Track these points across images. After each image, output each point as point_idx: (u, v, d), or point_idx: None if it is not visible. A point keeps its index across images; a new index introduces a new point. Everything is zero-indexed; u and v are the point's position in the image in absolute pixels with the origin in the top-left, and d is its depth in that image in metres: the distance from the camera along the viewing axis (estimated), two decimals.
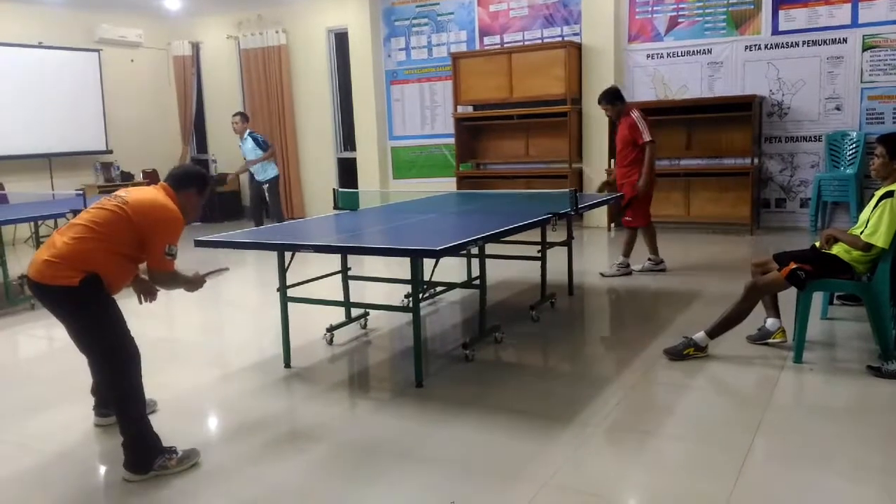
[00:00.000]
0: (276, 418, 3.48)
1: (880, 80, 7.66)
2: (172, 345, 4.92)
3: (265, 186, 8.40)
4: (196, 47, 11.79)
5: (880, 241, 3.57)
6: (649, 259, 6.35)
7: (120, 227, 2.84)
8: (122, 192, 2.97)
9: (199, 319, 5.77)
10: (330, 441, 3.18)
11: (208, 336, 5.25)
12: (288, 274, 4.07)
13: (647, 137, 5.95)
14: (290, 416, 3.57)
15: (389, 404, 3.62)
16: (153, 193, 2.98)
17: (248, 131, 8.40)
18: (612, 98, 6.18)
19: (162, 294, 3.33)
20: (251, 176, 8.64)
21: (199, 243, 4.03)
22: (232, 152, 11.49)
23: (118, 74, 10.98)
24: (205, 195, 3.18)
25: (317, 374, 4.06)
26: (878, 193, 3.72)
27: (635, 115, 6.07)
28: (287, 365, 4.11)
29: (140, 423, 2.91)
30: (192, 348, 4.85)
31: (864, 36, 7.66)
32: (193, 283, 3.18)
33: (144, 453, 2.87)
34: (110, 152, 10.60)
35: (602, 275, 6.23)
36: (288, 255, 4.00)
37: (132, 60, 11.29)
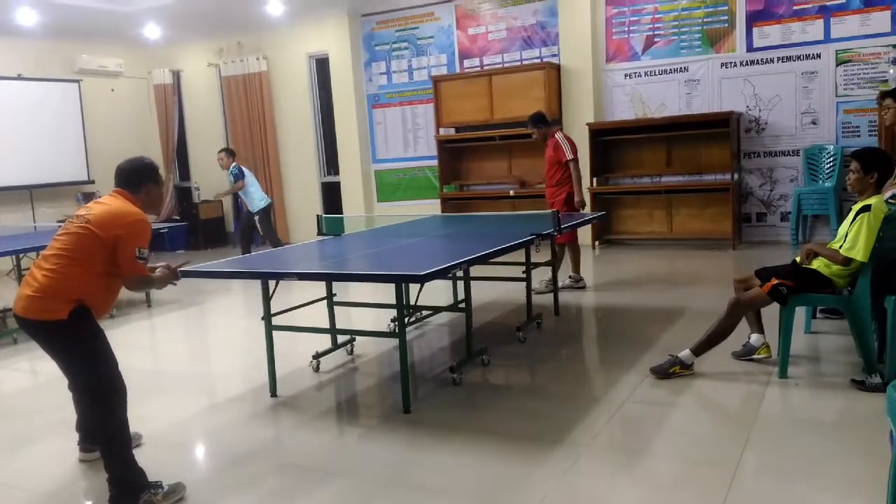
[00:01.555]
0: (264, 449, 3.45)
1: (855, 94, 7.79)
2: (157, 375, 4.87)
3: (255, 217, 8.44)
4: (177, 75, 11.80)
5: (859, 254, 3.62)
6: (570, 276, 6.50)
7: (90, 247, 2.82)
8: (82, 211, 2.94)
9: (184, 349, 5.72)
10: (318, 470, 3.15)
11: (193, 366, 5.21)
12: (273, 301, 4.06)
13: (568, 156, 6.24)
14: (277, 447, 3.53)
15: (377, 431, 3.60)
16: (112, 203, 2.94)
17: (233, 165, 8.52)
18: (536, 121, 6.46)
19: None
20: (241, 206, 8.74)
21: (182, 274, 4.00)
22: (215, 178, 11.51)
23: (99, 104, 10.96)
24: (161, 181, 3.16)
25: (304, 403, 4.04)
26: (856, 208, 3.78)
27: (559, 136, 6.35)
28: (273, 394, 4.08)
29: (125, 459, 2.88)
30: (177, 378, 4.80)
31: (837, 51, 7.81)
32: (164, 280, 3.11)
33: (130, 489, 2.84)
34: (92, 182, 10.55)
35: (535, 291, 6.12)
36: (272, 283, 3.99)
37: (112, 90, 11.28)
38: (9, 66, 9.85)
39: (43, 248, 6.07)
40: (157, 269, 3.11)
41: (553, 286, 5.79)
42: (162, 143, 11.78)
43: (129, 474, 2.86)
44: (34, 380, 5.21)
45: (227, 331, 6.17)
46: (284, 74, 10.90)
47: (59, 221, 8.51)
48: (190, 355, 5.54)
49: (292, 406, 3.98)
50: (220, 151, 8.73)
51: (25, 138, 9.83)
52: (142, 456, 2.98)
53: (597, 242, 8.84)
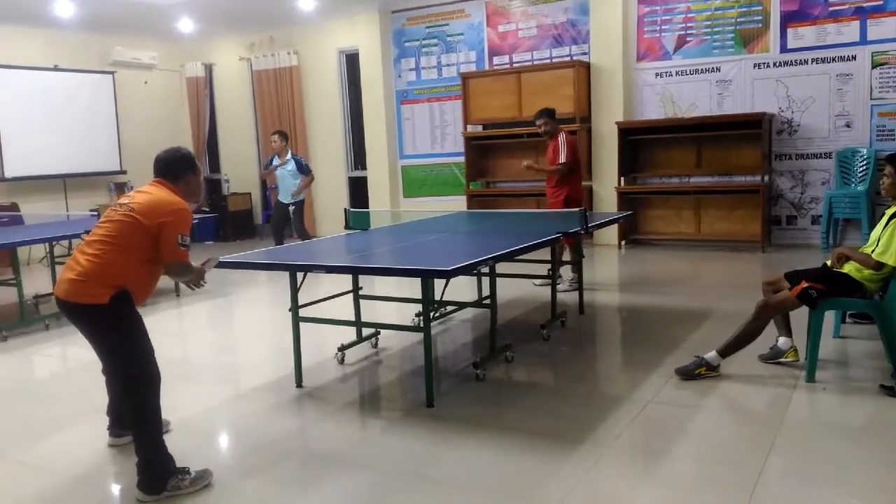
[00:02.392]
0: (288, 439, 3.50)
1: (890, 98, 7.65)
2: (185, 364, 4.95)
3: (291, 208, 8.30)
4: (209, 69, 11.95)
5: (892, 259, 3.56)
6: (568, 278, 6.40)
7: (134, 234, 2.88)
8: (124, 200, 3.02)
9: (212, 339, 5.81)
10: (341, 462, 3.19)
11: (221, 355, 5.28)
12: (300, 294, 4.10)
13: (562, 159, 6.28)
14: (301, 437, 3.58)
15: (400, 424, 3.63)
16: (154, 192, 3.00)
17: (290, 153, 8.23)
18: (548, 114, 6.49)
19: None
20: (270, 195, 8.55)
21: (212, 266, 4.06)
22: (244, 171, 11.67)
23: (132, 96, 11.13)
24: (199, 171, 3.22)
25: (328, 394, 4.08)
26: (889, 212, 3.72)
27: (561, 138, 6.34)
28: (299, 384, 4.13)
29: (156, 444, 2.94)
30: (204, 368, 4.88)
31: (872, 53, 7.67)
32: (199, 275, 3.16)
33: (158, 474, 2.89)
34: (124, 172, 10.73)
35: (535, 284, 6.19)
36: (300, 275, 4.03)
37: (146, 82, 11.45)
38: (46, 57, 10.05)
39: (76, 236, 6.28)
40: (197, 266, 3.16)
41: (578, 285, 5.76)
42: (193, 136, 11.94)
43: (159, 459, 2.92)
44: (64, 365, 5.33)
45: (255, 321, 6.25)
46: (315, 69, 10.98)
47: (91, 210, 8.67)
48: (217, 345, 5.62)
49: (317, 397, 4.02)
50: (273, 133, 8.36)
51: (60, 128, 10.02)
52: (170, 442, 3.03)
53: (623, 242, 8.79)
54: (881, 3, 7.57)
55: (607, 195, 8.93)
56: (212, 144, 12.22)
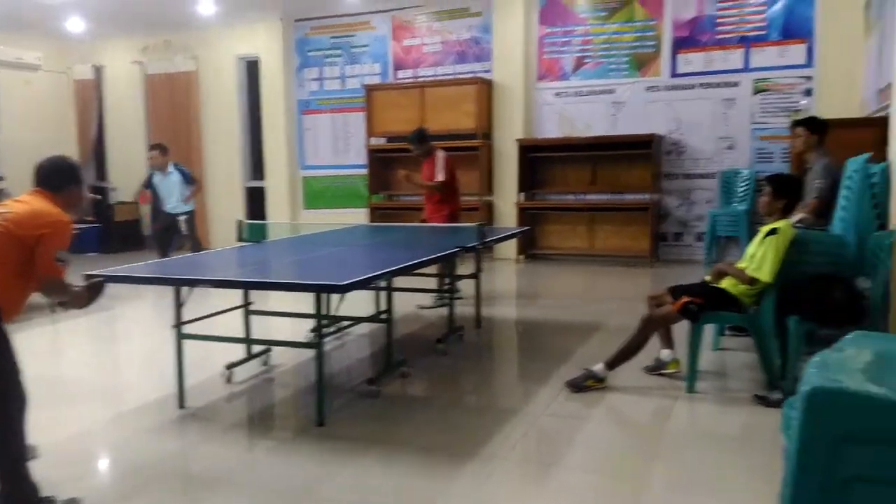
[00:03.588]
0: (168, 461, 3.32)
1: (770, 122, 8.16)
2: (61, 384, 4.62)
3: (182, 218, 7.93)
4: (99, 71, 11.38)
5: (765, 275, 3.77)
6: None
7: (8, 246, 2.68)
8: (2, 208, 2.80)
9: (91, 357, 5.47)
10: (225, 484, 3.05)
11: (100, 375, 4.97)
12: (187, 308, 3.92)
13: (440, 177, 6.31)
14: (183, 459, 3.40)
15: (290, 444, 3.51)
16: (33, 202, 2.82)
17: (172, 164, 7.85)
18: (419, 139, 6.46)
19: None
20: (158, 206, 8.18)
21: (89, 277, 3.82)
22: (133, 179, 11.06)
23: (13, 97, 10.45)
24: (83, 183, 3.04)
25: (213, 414, 3.91)
26: (764, 230, 3.94)
27: (438, 155, 6.38)
28: (181, 405, 3.93)
29: (18, 473, 2.71)
30: (82, 388, 4.57)
31: (754, 80, 8.16)
32: (80, 298, 2.93)
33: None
34: (2, 179, 10.02)
35: (421, 308, 6.25)
36: (185, 289, 3.86)
37: (28, 83, 10.78)
38: None
39: None
40: (76, 287, 2.94)
41: (450, 302, 5.38)
42: (79, 141, 11.32)
43: (21, 489, 2.69)
44: None
45: (138, 338, 5.94)
46: (213, 75, 10.65)
47: None
48: (96, 363, 5.29)
49: (201, 418, 3.84)
50: (151, 149, 7.95)
51: None
52: (40, 468, 2.80)
53: (521, 256, 8.95)
54: (763, 33, 8.08)
55: (507, 210, 9.08)
56: (99, 150, 11.60)
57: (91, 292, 2.95)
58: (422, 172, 6.56)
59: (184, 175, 7.87)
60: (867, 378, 1.89)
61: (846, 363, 1.93)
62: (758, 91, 8.17)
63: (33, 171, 2.91)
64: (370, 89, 9.54)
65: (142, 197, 8.22)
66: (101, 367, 5.17)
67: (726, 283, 3.96)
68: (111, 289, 6.25)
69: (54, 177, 2.91)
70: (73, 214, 2.93)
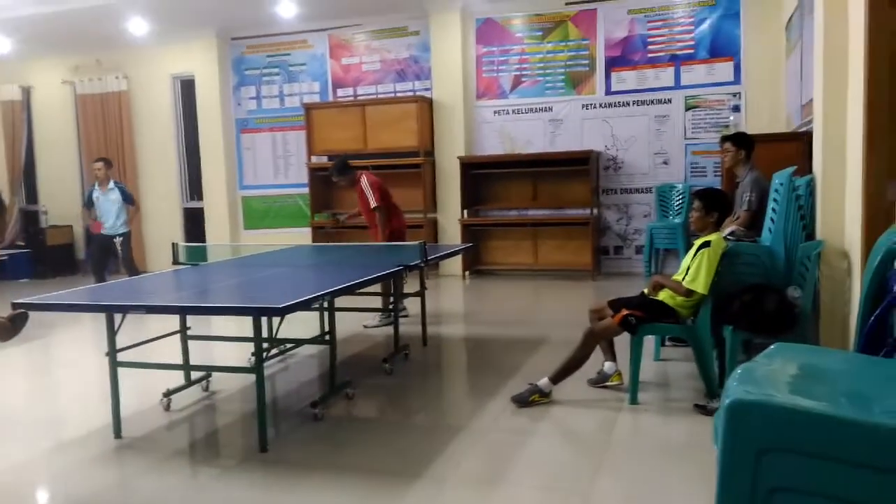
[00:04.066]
0: (106, 494, 3.19)
1: (701, 137, 8.43)
2: None
3: (117, 240, 7.71)
4: (27, 91, 11.00)
5: (700, 287, 3.87)
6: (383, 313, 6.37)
7: None
8: None
9: (21, 387, 5.23)
10: None
11: (31, 405, 4.75)
12: (122, 334, 3.80)
13: (372, 204, 6.31)
14: (121, 491, 3.28)
15: (233, 472, 3.42)
16: None
17: (112, 181, 7.73)
18: (339, 171, 6.46)
19: None
20: (90, 229, 7.95)
21: (16, 305, 3.67)
22: (64, 202, 10.75)
23: None
24: (4, 208, 2.89)
25: (152, 444, 3.78)
26: (697, 243, 4.05)
27: (363, 183, 6.37)
28: (118, 435, 3.80)
29: None
30: (11, 419, 4.36)
31: (686, 97, 8.44)
32: (3, 330, 2.75)
33: None
34: None
35: (365, 327, 6.25)
36: (118, 316, 3.73)
37: None
38: None
39: None
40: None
41: (395, 320, 5.36)
42: (7, 163, 10.90)
43: None
44: None
45: (72, 367, 5.71)
46: (146, 95, 10.42)
47: None
48: (27, 393, 5.07)
49: (139, 448, 3.71)
50: (96, 161, 7.81)
51: None
52: None
53: (467, 272, 8.99)
54: (693, 52, 8.36)
55: (451, 227, 9.12)
56: (29, 173, 11.20)
57: (15, 324, 2.80)
58: (358, 203, 6.53)
59: (123, 194, 7.69)
60: (788, 390, 1.95)
61: (768, 375, 1.98)
62: (689, 108, 8.44)
63: None
64: (310, 108, 9.48)
65: (93, 223, 7.92)
66: (35, 398, 4.95)
67: (664, 296, 4.06)
68: (44, 316, 6.07)
69: None
70: None
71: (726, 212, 4.28)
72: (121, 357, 3.83)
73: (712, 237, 3.99)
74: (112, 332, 3.75)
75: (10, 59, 10.42)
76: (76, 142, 10.93)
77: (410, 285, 6.01)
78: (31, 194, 11.29)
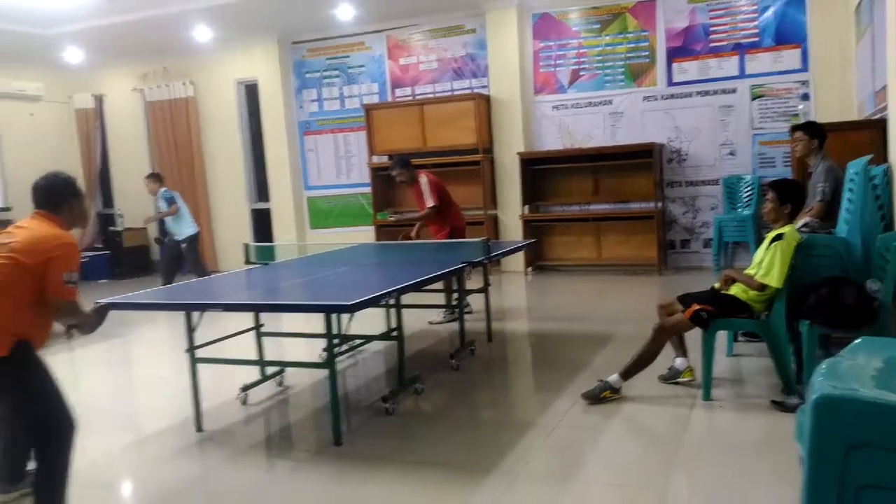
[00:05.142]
0: (189, 486, 3.33)
1: (768, 127, 8.20)
2: (79, 410, 4.61)
3: (183, 245, 8.06)
4: (99, 100, 11.46)
5: (774, 281, 3.78)
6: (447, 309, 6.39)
7: (19, 278, 2.68)
8: (4, 239, 2.79)
9: (107, 383, 5.48)
10: None
11: (116, 401, 4.98)
12: (199, 332, 3.94)
13: (429, 203, 6.36)
14: (204, 483, 3.41)
15: (308, 464, 3.52)
16: (37, 228, 2.80)
17: (162, 191, 8.09)
18: (404, 164, 6.54)
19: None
20: (166, 234, 8.36)
21: (100, 304, 3.84)
22: (139, 205, 11.16)
23: (17, 129, 10.52)
24: (82, 195, 3.04)
25: (231, 437, 3.92)
26: (770, 236, 3.96)
27: (422, 182, 6.41)
28: (199, 429, 3.95)
29: (60, 499, 2.74)
30: (99, 413, 4.57)
31: (751, 86, 8.22)
32: (89, 321, 2.96)
33: None
34: (9, 210, 10.07)
35: (431, 323, 6.29)
36: (196, 314, 3.88)
37: (32, 114, 10.85)
38: None
39: None
40: (86, 311, 2.96)
41: (460, 316, 5.34)
42: (84, 170, 11.38)
43: None
44: None
45: (152, 363, 5.95)
46: (212, 100, 10.72)
47: None
48: (113, 389, 5.31)
49: (219, 441, 3.85)
50: (146, 177, 8.31)
51: None
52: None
53: (529, 269, 8.97)
54: (757, 39, 8.14)
55: (512, 223, 9.11)
56: (104, 178, 11.68)
57: (98, 316, 2.99)
58: (415, 201, 6.62)
59: (166, 199, 8.05)
60: (874, 384, 1.89)
61: (854, 370, 1.93)
62: (755, 97, 8.22)
63: (31, 192, 2.90)
64: (369, 109, 9.60)
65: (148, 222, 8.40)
66: (118, 393, 5.18)
67: (736, 290, 3.98)
68: (124, 315, 6.31)
69: (52, 195, 2.90)
70: (80, 227, 2.93)
71: (800, 203, 4.15)
72: (199, 353, 3.97)
73: (786, 229, 3.89)
74: (190, 330, 3.89)
75: (83, 68, 10.87)
76: (147, 147, 11.34)
77: (472, 282, 6.04)
78: (107, 198, 11.77)
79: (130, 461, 3.68)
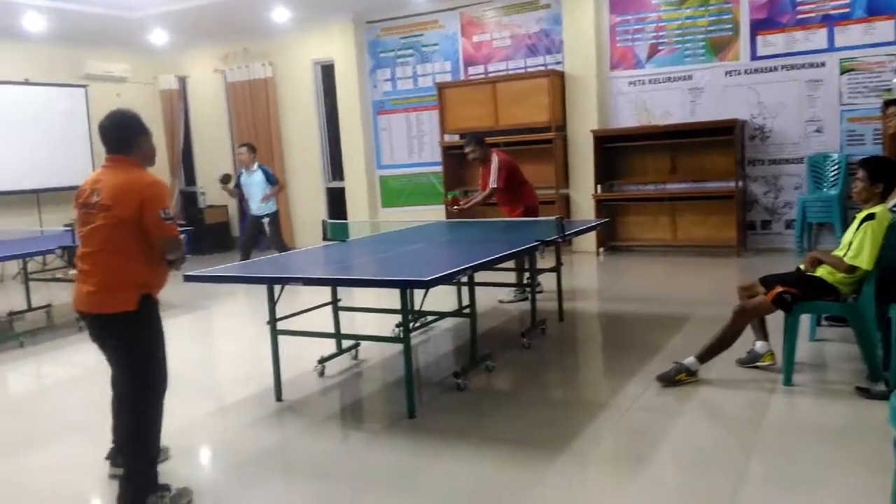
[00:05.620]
0: (269, 453, 3.46)
1: (859, 103, 7.79)
2: None
3: (265, 220, 8.22)
4: (183, 81, 11.86)
5: (864, 262, 3.62)
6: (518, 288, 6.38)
7: (124, 232, 2.78)
8: (90, 198, 2.85)
9: (189, 353, 5.72)
10: (323, 475, 3.17)
11: (199, 370, 5.21)
12: (278, 306, 4.07)
13: (492, 184, 6.31)
14: (282, 451, 3.55)
15: (382, 436, 3.61)
16: (114, 178, 2.84)
17: (257, 164, 8.16)
18: (479, 141, 6.49)
19: None
20: (245, 208, 8.51)
21: (188, 279, 4.02)
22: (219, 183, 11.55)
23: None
24: (149, 131, 3.06)
25: (309, 407, 4.05)
26: (860, 216, 3.79)
27: (494, 161, 6.33)
28: (279, 398, 4.10)
29: (149, 459, 2.90)
30: (182, 382, 4.74)
31: (841, 59, 7.82)
32: (184, 255, 3.02)
33: (141, 487, 2.84)
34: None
35: (501, 302, 6.26)
36: (277, 287, 4.01)
37: (118, 95, 11.31)
38: (16, 71, 9.90)
39: (49, 252, 6.20)
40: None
41: (531, 295, 5.40)
42: (167, 149, 11.82)
43: (146, 473, 2.88)
44: (40, 383, 5.26)
45: (233, 335, 6.19)
46: (290, 80, 10.94)
47: (65, 226, 8.54)
48: (195, 359, 5.54)
49: (297, 410, 3.99)
50: (240, 146, 8.29)
51: (32, 143, 9.87)
52: None
53: (602, 249, 8.85)
54: (848, 10, 7.73)
55: (584, 202, 9.00)
56: (187, 157, 12.12)
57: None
58: (481, 181, 6.59)
59: (266, 175, 8.11)
60: None
61: None
62: (844, 71, 7.82)
63: (100, 135, 2.96)
64: (442, 87, 9.60)
65: (233, 194, 8.54)
66: (201, 364, 5.41)
67: (822, 272, 3.83)
68: (206, 288, 6.53)
69: (121, 136, 2.93)
70: (148, 165, 2.96)
71: (893, 182, 3.94)
72: (279, 326, 4.10)
73: (877, 209, 3.72)
74: (272, 303, 4.03)
75: (167, 50, 11.25)
76: (228, 127, 11.68)
77: (544, 261, 6.01)
78: (190, 177, 12.22)
79: (212, 429, 3.85)
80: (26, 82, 9.95)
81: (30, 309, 6.76)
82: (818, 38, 7.90)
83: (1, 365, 5.36)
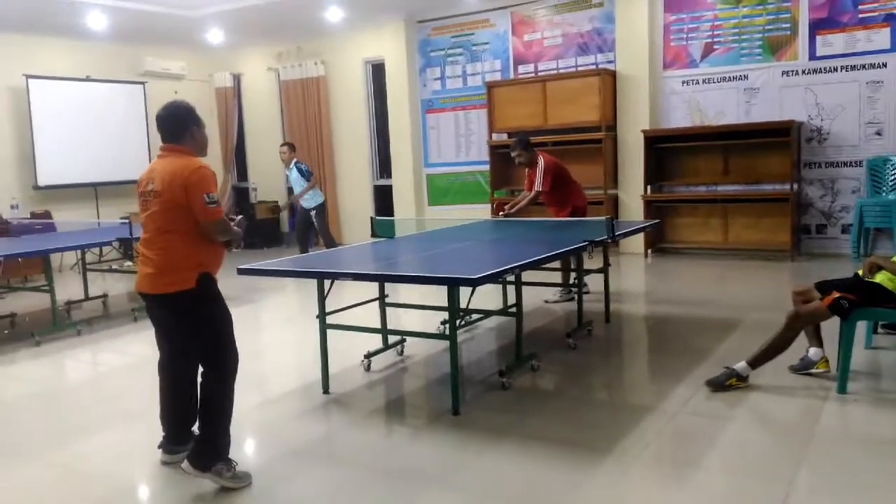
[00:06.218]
0: (315, 444, 3.52)
1: None
2: None
3: (312, 213, 8.53)
4: (237, 79, 12.10)
5: None
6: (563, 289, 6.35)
7: (178, 216, 2.92)
8: (147, 186, 3.00)
9: (239, 344, 5.84)
10: (367, 468, 3.20)
11: (248, 361, 5.26)
12: (326, 301, 4.13)
13: (537, 187, 6.31)
14: (328, 443, 3.60)
15: (425, 431, 3.63)
16: (166, 166, 2.97)
17: (294, 161, 8.57)
18: (525, 145, 6.42)
19: None
20: (296, 205, 8.83)
21: (241, 271, 4.12)
22: (272, 179, 11.79)
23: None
24: (202, 122, 3.16)
25: (354, 401, 4.10)
26: None
27: (540, 164, 6.30)
28: (326, 391, 4.16)
29: (224, 428, 3.03)
30: None
31: None
32: (237, 236, 3.12)
33: (211, 453, 2.98)
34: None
35: (546, 301, 6.25)
36: (327, 282, 4.07)
37: (176, 92, 11.58)
38: (78, 68, 10.25)
39: (106, 243, 6.42)
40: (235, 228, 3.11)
41: (578, 296, 5.38)
42: (221, 145, 12.09)
43: (219, 441, 3.00)
44: (95, 370, 5.43)
45: (281, 328, 6.30)
46: (341, 79, 11.08)
47: (122, 218, 8.81)
48: (245, 351, 5.61)
49: (343, 404, 4.04)
50: (282, 145, 8.81)
51: (92, 137, 10.21)
52: None
53: (650, 251, 8.73)
54: None
55: (633, 203, 8.89)
56: (240, 154, 12.37)
57: (241, 230, 3.15)
58: (526, 183, 6.60)
59: (300, 171, 8.48)
60: None
61: None
62: None
63: (157, 124, 3.09)
64: (491, 86, 9.60)
65: (294, 201, 8.89)
66: (250, 354, 5.48)
67: (882, 278, 3.72)
68: (255, 282, 6.66)
69: (175, 126, 3.06)
70: (201, 156, 3.08)
71: None
72: (328, 320, 4.16)
73: None
74: (322, 297, 4.09)
75: (222, 49, 11.51)
76: (280, 124, 11.89)
77: (591, 262, 5.95)
78: (242, 173, 12.48)
79: (261, 418, 3.92)
80: (87, 79, 10.29)
81: (87, 298, 7.00)
82: (880, 38, 7.66)
83: (58, 352, 5.55)
